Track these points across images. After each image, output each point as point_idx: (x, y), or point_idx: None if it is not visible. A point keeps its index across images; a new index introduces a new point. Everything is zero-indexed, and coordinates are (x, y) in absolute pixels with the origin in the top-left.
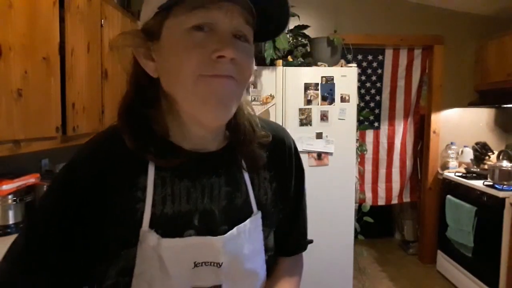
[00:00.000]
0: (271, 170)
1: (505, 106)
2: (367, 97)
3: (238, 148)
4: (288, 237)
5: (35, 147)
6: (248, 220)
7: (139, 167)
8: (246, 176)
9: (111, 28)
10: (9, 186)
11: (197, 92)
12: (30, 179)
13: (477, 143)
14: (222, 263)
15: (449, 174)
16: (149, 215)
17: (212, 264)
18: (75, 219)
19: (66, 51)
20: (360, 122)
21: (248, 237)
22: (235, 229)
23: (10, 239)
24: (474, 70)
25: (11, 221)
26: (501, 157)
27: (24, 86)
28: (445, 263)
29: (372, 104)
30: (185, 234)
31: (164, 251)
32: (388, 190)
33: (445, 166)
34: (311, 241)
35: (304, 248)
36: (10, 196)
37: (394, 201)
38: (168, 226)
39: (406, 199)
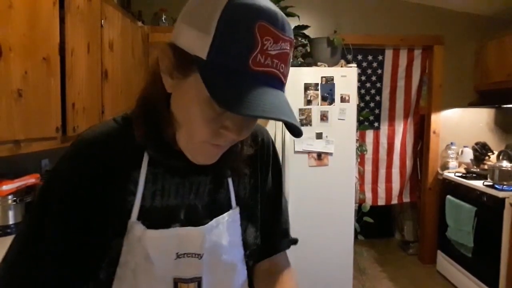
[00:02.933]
0: (250, 167)
1: (505, 106)
2: (367, 97)
3: (224, 161)
4: (269, 236)
5: (35, 147)
6: (226, 213)
7: (134, 162)
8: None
9: (111, 28)
10: (9, 186)
11: (193, 148)
12: (30, 179)
13: (477, 143)
14: (203, 254)
15: (449, 174)
16: (138, 208)
17: (194, 255)
18: (79, 204)
19: (66, 51)
20: (360, 122)
21: (226, 229)
22: (214, 220)
23: (10, 239)
24: (474, 70)
25: (11, 221)
26: (501, 157)
27: (24, 86)
28: (445, 263)
29: (372, 104)
30: (171, 227)
31: (148, 241)
32: (388, 190)
33: (445, 166)
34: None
35: (287, 247)
36: (10, 197)
37: (394, 201)
38: (156, 219)
39: (406, 199)
